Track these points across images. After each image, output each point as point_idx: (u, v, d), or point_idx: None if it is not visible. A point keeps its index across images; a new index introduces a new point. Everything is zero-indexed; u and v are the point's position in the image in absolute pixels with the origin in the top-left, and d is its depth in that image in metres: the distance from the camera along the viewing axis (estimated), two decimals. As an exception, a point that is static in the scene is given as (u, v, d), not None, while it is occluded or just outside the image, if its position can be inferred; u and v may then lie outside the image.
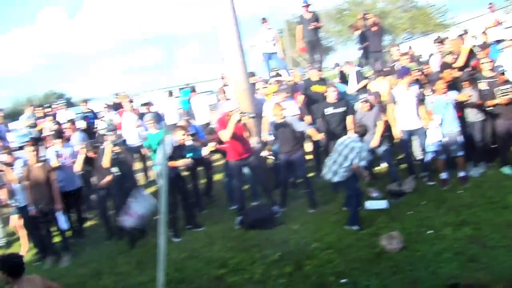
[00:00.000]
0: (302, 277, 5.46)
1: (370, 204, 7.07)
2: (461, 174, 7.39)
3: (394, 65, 9.61)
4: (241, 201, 7.46)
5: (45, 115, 10.72)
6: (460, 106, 7.53)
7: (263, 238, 6.48)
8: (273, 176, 8.05)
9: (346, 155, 6.36)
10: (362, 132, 6.61)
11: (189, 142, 7.78)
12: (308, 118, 8.30)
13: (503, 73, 7.33)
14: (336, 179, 6.52)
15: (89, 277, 6.35)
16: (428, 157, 7.53)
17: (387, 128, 7.81)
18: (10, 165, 7.50)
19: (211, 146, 7.91)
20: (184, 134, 7.40)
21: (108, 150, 7.34)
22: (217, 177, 9.07)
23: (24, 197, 7.17)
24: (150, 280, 5.44)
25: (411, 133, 7.69)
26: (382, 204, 7.01)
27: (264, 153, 8.01)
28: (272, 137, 7.79)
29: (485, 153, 7.70)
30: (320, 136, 7.54)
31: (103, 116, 10.63)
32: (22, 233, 7.81)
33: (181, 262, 6.13)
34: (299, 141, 7.73)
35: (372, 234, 6.14)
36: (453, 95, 7.40)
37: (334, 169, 6.52)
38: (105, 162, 7.28)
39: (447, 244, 5.58)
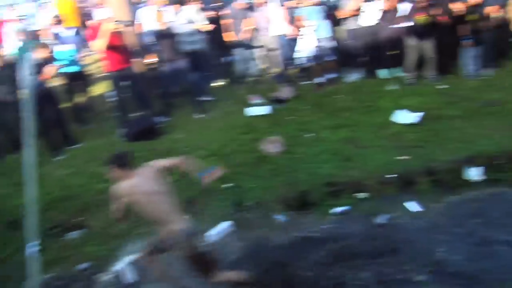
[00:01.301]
0: (188, 183, 6.31)
1: (252, 110, 8.48)
2: (331, 76, 9.21)
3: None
4: (123, 113, 8.41)
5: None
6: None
7: (147, 149, 7.53)
8: (156, 85, 8.96)
9: None
10: None
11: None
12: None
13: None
14: None
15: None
16: (303, 62, 9.14)
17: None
18: None
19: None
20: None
21: None
22: (101, 89, 9.85)
23: None
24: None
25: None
26: (264, 110, 8.46)
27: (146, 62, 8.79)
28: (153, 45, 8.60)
29: (361, 59, 9.46)
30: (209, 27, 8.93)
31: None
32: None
33: (65, 180, 7.08)
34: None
35: (254, 140, 7.51)
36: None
37: None
38: None
39: (325, 146, 7.19)
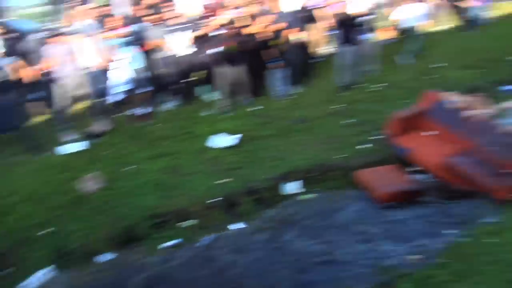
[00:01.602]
0: (3, 235, 6.12)
1: (66, 148, 8.09)
2: (146, 106, 9.15)
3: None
4: None
5: None
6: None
7: None
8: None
9: None
10: None
11: None
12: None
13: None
14: None
15: None
16: (117, 94, 8.86)
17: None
18: None
19: None
20: None
21: None
22: None
23: None
24: None
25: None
26: (79, 146, 8.12)
27: None
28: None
29: (176, 87, 9.57)
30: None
31: None
32: None
33: None
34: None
35: (71, 179, 7.16)
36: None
37: None
38: None
39: (147, 178, 7.12)
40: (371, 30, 10.38)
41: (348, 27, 9.62)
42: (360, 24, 9.83)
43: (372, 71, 10.63)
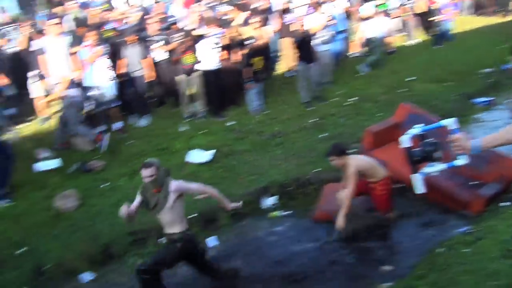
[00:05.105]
0: None
1: (41, 165, 7.96)
2: (118, 125, 9.21)
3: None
4: None
5: None
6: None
7: None
8: None
9: None
10: None
11: None
12: None
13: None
14: None
15: None
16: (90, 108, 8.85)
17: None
18: None
19: None
20: None
21: None
22: None
23: None
24: None
25: None
26: (54, 163, 8.05)
27: None
28: None
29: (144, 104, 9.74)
30: None
31: None
32: None
33: None
34: None
35: (46, 197, 7.16)
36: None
37: None
38: None
39: (123, 194, 7.00)
40: (329, 44, 10.74)
41: (306, 44, 9.85)
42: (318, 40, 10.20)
43: (329, 84, 11.04)
